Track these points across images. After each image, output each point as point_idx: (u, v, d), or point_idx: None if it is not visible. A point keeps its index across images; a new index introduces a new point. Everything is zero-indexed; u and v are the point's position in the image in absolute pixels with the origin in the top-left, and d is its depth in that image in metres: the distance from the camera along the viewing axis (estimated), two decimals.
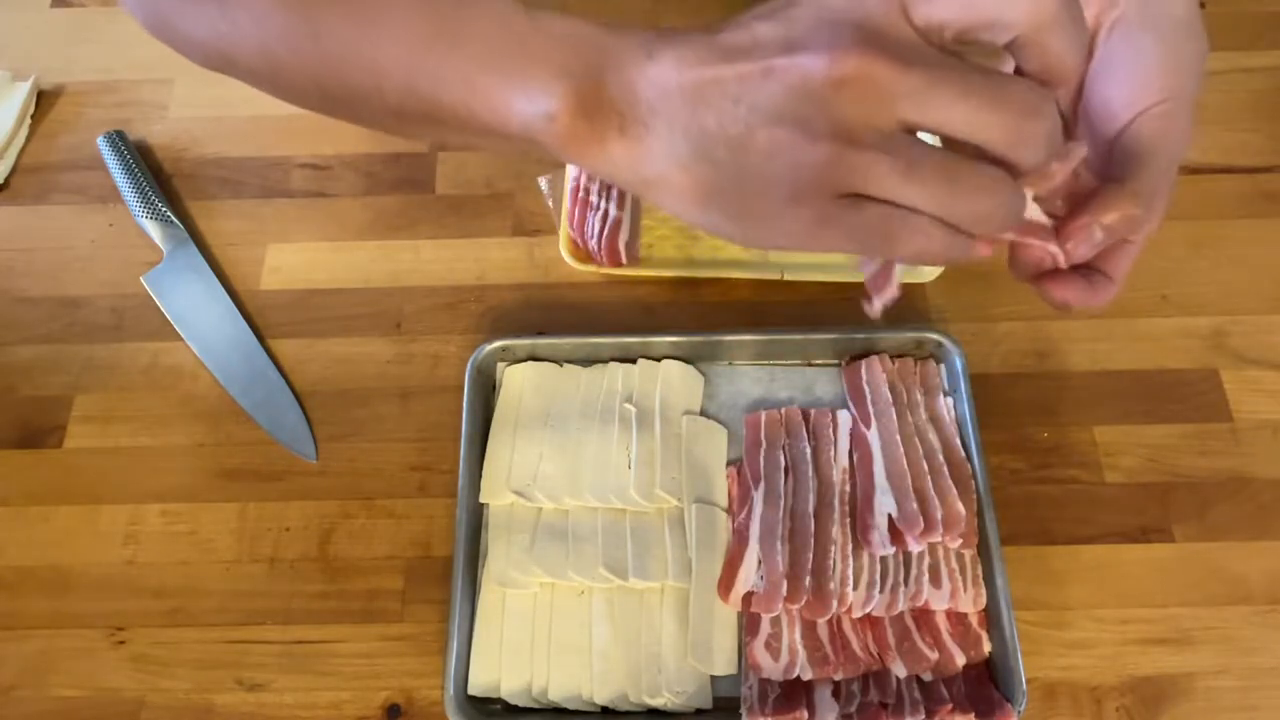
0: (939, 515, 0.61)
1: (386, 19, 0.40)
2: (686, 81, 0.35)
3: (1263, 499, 0.65)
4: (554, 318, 0.73)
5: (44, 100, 0.85)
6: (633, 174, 0.38)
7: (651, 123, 0.36)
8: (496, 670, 0.60)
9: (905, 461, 0.63)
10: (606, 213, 0.72)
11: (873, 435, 0.65)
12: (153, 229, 0.76)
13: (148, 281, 0.75)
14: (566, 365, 0.70)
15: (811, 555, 0.61)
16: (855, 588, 0.60)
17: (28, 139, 0.83)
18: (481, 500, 0.65)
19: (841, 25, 0.33)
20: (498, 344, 0.69)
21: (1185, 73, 0.43)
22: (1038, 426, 0.68)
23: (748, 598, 0.60)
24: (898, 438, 0.64)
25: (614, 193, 0.73)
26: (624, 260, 0.72)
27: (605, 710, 0.60)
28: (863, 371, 0.67)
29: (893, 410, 0.65)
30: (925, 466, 0.63)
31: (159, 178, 0.80)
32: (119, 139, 0.79)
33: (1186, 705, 0.60)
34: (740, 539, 0.62)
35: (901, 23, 0.34)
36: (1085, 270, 0.43)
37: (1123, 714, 0.60)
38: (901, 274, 0.43)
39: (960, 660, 0.59)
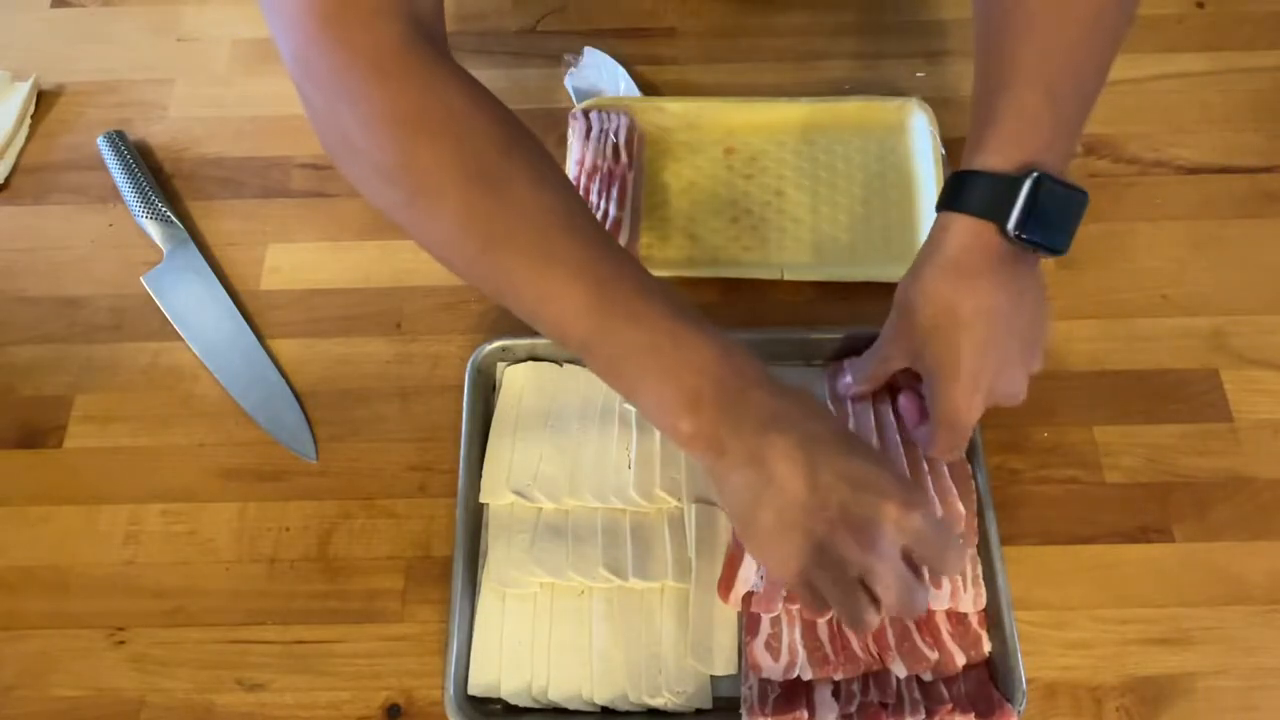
0: (939, 515, 0.61)
1: (554, 279, 0.50)
2: (765, 475, 0.50)
3: (1263, 499, 0.65)
4: None
5: (44, 100, 0.85)
6: (714, 481, 0.53)
7: (730, 471, 0.51)
8: (496, 670, 0.60)
9: (905, 461, 0.63)
10: (607, 213, 0.72)
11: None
12: (153, 229, 0.76)
13: (148, 281, 0.75)
14: (566, 365, 0.70)
15: None
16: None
17: (28, 139, 0.83)
18: (481, 500, 0.65)
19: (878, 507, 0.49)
20: (498, 344, 0.69)
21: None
22: (1037, 426, 0.68)
23: (748, 598, 0.60)
24: (898, 438, 0.64)
25: (614, 193, 0.73)
26: None
27: (605, 710, 0.60)
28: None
29: (870, 411, 0.65)
30: (925, 467, 0.63)
31: (159, 178, 0.80)
32: (119, 139, 0.80)
33: (1186, 705, 0.60)
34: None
35: None
36: None
37: (1123, 714, 0.60)
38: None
39: (960, 660, 0.59)
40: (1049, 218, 0.52)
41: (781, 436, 0.49)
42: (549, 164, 0.52)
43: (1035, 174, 0.52)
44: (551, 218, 0.50)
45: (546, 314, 0.51)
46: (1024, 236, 0.52)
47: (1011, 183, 0.52)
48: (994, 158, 0.53)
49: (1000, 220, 0.52)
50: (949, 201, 0.55)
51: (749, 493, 0.50)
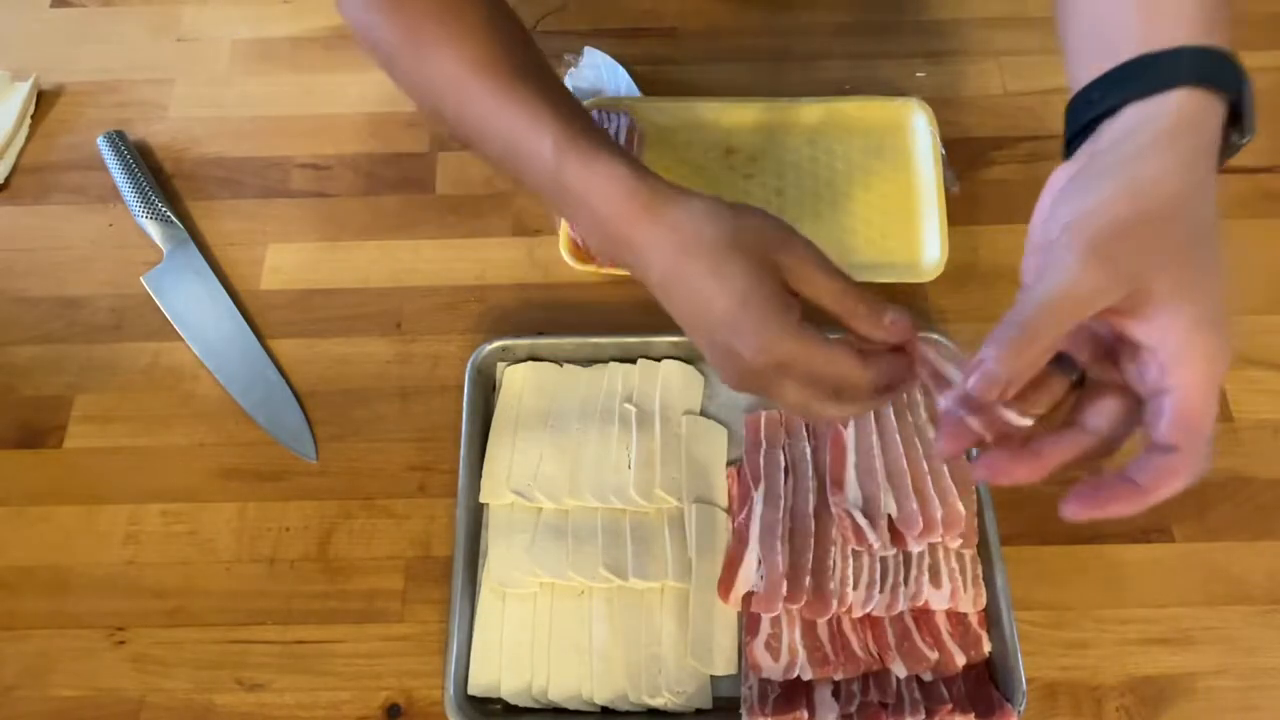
0: (939, 515, 0.61)
1: (484, 130, 0.55)
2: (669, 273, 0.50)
3: (1263, 499, 0.65)
4: (554, 318, 0.73)
5: (44, 100, 0.84)
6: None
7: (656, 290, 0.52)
8: (496, 670, 0.60)
9: (905, 461, 0.63)
10: None
11: (849, 431, 0.65)
12: (153, 229, 0.76)
13: (148, 281, 0.75)
14: (566, 365, 0.70)
15: (811, 555, 0.61)
16: (855, 588, 0.60)
17: (28, 139, 0.83)
18: (481, 500, 0.65)
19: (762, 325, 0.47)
20: (498, 344, 0.69)
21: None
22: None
23: (748, 598, 0.60)
24: (898, 438, 0.64)
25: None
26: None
27: (605, 710, 0.60)
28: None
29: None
30: (925, 467, 0.63)
31: (159, 178, 0.80)
32: (119, 139, 0.79)
33: (1186, 705, 0.60)
34: (740, 539, 0.62)
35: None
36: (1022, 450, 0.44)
37: (1123, 714, 0.60)
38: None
39: (960, 660, 0.59)
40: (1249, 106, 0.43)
41: (656, 283, 0.51)
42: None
43: (1232, 55, 0.42)
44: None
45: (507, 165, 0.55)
46: (1247, 121, 0.43)
47: (1225, 56, 0.42)
48: (1184, 30, 0.42)
49: (1234, 91, 0.42)
50: (1137, 85, 0.43)
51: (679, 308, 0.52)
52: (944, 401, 0.44)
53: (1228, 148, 0.44)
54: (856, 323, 0.48)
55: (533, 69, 0.55)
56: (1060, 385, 0.44)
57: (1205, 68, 0.42)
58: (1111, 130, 0.43)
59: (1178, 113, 0.42)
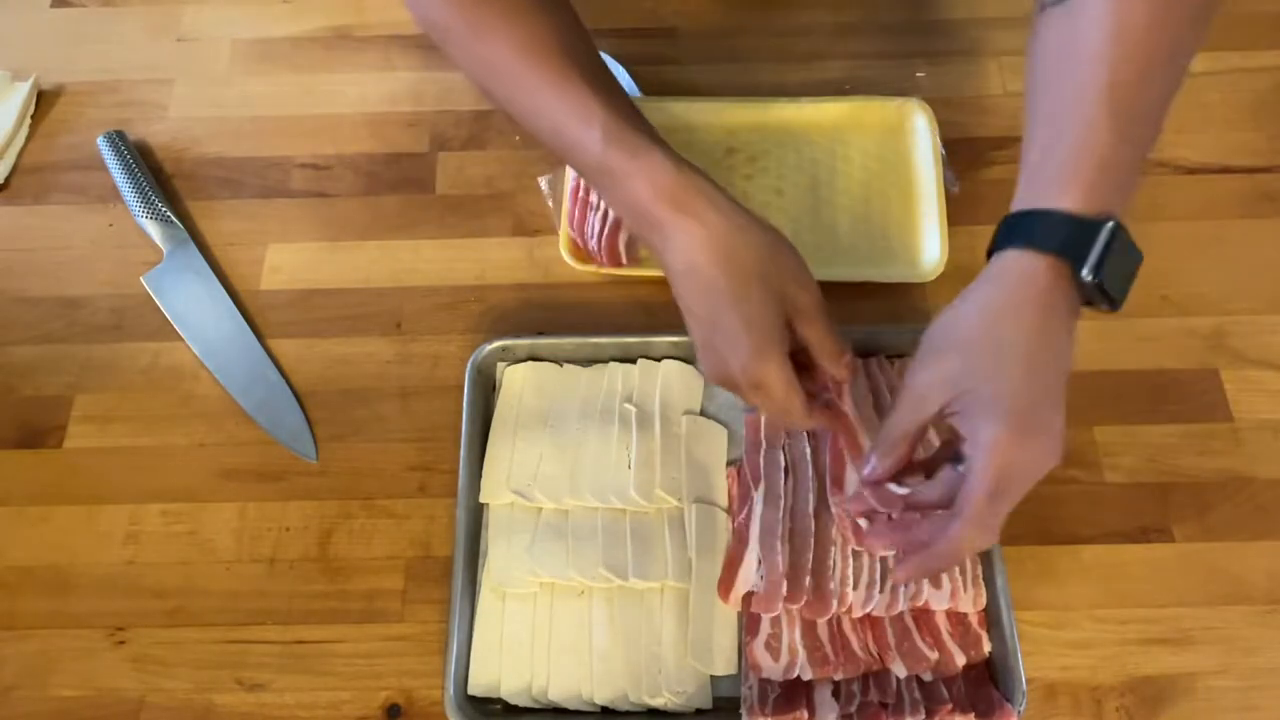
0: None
1: (535, 112, 0.58)
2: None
3: (1263, 499, 0.65)
4: (554, 318, 0.73)
5: (44, 100, 0.84)
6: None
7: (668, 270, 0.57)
8: (496, 670, 0.60)
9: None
10: (606, 213, 0.72)
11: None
12: (153, 229, 0.76)
13: (148, 281, 0.75)
14: (566, 365, 0.70)
15: (811, 555, 0.61)
16: (855, 588, 0.60)
17: (28, 139, 0.83)
18: (481, 500, 0.65)
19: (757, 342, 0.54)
20: (498, 344, 0.69)
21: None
22: None
23: (748, 598, 0.60)
24: None
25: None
26: (624, 260, 0.72)
27: (605, 710, 0.60)
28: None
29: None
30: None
31: (159, 178, 0.80)
32: (119, 139, 0.79)
33: (1186, 705, 0.60)
34: (740, 539, 0.62)
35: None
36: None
37: (1123, 714, 0.60)
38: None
39: (960, 660, 0.59)
40: (1115, 269, 0.48)
41: (677, 267, 0.55)
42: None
43: (1114, 221, 0.48)
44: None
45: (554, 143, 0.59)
46: (1097, 281, 0.48)
47: (1090, 225, 0.48)
48: (1068, 197, 0.49)
49: (1077, 260, 0.48)
50: (1010, 239, 0.51)
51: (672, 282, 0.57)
52: (854, 483, 0.61)
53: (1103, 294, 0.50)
54: (825, 359, 0.56)
55: (582, 55, 0.58)
56: (924, 466, 0.55)
57: (1061, 236, 0.49)
58: (986, 270, 0.52)
59: (1018, 273, 0.50)
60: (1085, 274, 0.48)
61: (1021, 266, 0.50)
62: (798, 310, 0.55)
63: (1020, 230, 0.51)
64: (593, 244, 0.72)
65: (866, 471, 0.54)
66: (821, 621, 0.60)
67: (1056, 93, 0.52)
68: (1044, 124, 0.52)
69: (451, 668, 0.59)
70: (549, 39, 0.57)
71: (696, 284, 0.55)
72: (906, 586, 0.60)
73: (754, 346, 0.53)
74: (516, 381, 0.69)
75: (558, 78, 0.56)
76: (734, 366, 0.54)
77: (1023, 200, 0.52)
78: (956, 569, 0.60)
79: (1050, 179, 0.50)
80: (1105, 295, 0.49)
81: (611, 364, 0.70)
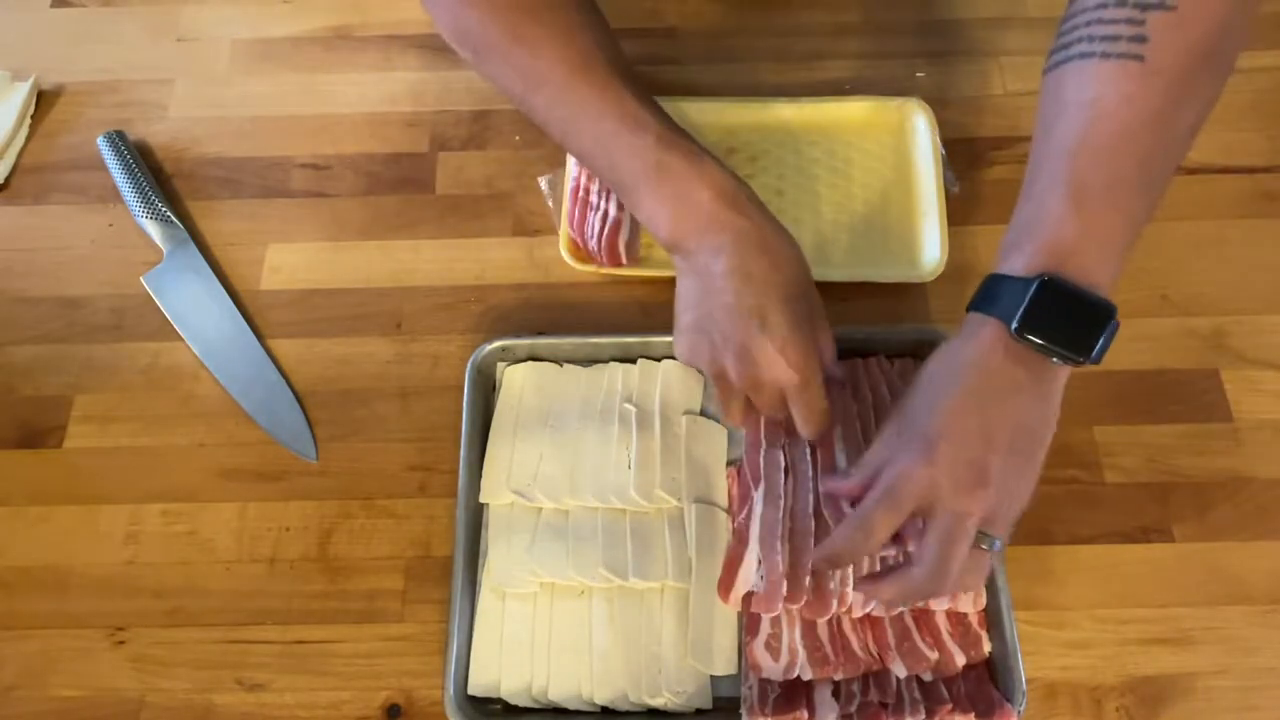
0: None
1: (580, 121, 0.60)
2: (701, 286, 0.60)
3: (1263, 499, 0.65)
4: (554, 318, 0.73)
5: (44, 100, 0.84)
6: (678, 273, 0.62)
7: (684, 274, 0.61)
8: (496, 670, 0.60)
9: None
10: (606, 213, 0.72)
11: (836, 430, 0.65)
12: (153, 229, 0.76)
13: (148, 281, 0.75)
14: (566, 365, 0.70)
15: (811, 555, 0.61)
16: (855, 588, 0.60)
17: (28, 139, 0.83)
18: (481, 500, 0.65)
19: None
20: (498, 344, 0.69)
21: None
22: None
23: (748, 598, 0.60)
24: None
25: (613, 193, 0.73)
26: (624, 260, 0.72)
27: (605, 710, 0.60)
28: None
29: (851, 402, 0.65)
30: None
31: (159, 178, 0.80)
32: (119, 139, 0.79)
33: (1186, 705, 0.60)
34: (740, 539, 0.62)
35: None
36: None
37: (1123, 714, 0.60)
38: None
39: (960, 660, 0.59)
40: (1061, 323, 0.51)
41: (729, 264, 0.57)
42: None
43: (1043, 277, 0.50)
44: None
45: (575, 146, 0.62)
46: (1027, 336, 0.50)
47: (1023, 284, 0.51)
48: (1010, 261, 0.52)
49: (1007, 319, 0.51)
50: (973, 302, 0.54)
51: (689, 293, 0.60)
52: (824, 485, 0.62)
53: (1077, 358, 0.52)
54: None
55: (622, 68, 0.61)
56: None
57: (1000, 298, 0.52)
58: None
59: (967, 333, 0.53)
60: (1013, 326, 0.51)
61: (971, 328, 0.53)
62: (815, 329, 0.59)
63: (979, 293, 0.54)
64: (593, 244, 0.72)
65: (830, 485, 0.59)
66: (821, 621, 0.60)
67: (1032, 159, 0.55)
68: (1023, 189, 0.55)
69: (451, 668, 0.59)
70: (596, 52, 0.60)
71: (737, 285, 0.57)
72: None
73: (801, 345, 0.57)
74: (516, 381, 0.69)
75: (606, 89, 0.59)
76: (734, 373, 0.58)
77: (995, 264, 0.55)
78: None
79: (1005, 244, 0.54)
80: (1050, 351, 0.51)
81: (611, 364, 0.70)
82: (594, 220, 0.72)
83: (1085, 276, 0.51)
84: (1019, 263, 0.52)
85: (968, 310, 0.54)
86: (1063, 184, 0.51)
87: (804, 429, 0.60)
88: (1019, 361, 0.52)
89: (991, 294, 0.53)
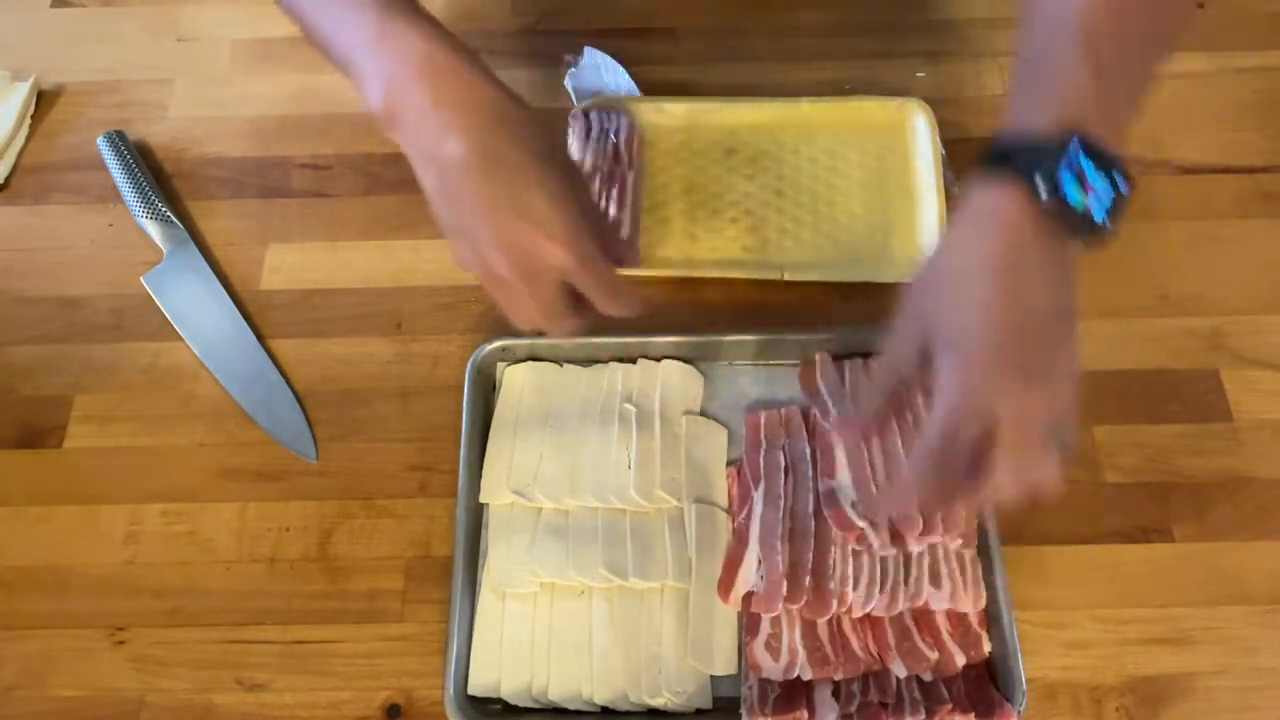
0: (939, 515, 0.61)
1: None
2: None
3: (1263, 499, 0.65)
4: None
5: (44, 100, 0.84)
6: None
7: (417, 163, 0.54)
8: (496, 670, 0.60)
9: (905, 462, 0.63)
10: (607, 213, 0.72)
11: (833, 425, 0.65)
12: (153, 229, 0.76)
13: (148, 281, 0.75)
14: (566, 365, 0.70)
15: (811, 555, 0.61)
16: (855, 588, 0.60)
17: (28, 139, 0.83)
18: (481, 500, 0.65)
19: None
20: (498, 344, 0.69)
21: None
22: None
23: (748, 598, 0.60)
24: (898, 439, 0.64)
25: (614, 193, 0.73)
26: (624, 260, 0.71)
27: (605, 710, 0.60)
28: (817, 370, 0.68)
29: (849, 400, 0.66)
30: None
31: (159, 178, 0.80)
32: (119, 139, 0.79)
33: (1186, 705, 0.60)
34: (740, 539, 0.62)
35: None
36: None
37: (1123, 714, 0.60)
38: None
39: (960, 660, 0.59)
40: (1089, 186, 0.46)
41: (464, 145, 0.51)
42: None
43: (1077, 134, 0.46)
44: None
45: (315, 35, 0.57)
46: (1060, 195, 0.45)
47: (1048, 140, 0.46)
48: (1030, 116, 0.47)
49: (1032, 178, 0.46)
50: (979, 167, 0.49)
51: (430, 187, 0.53)
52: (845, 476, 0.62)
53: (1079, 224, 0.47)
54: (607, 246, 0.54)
55: None
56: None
57: (1019, 157, 0.47)
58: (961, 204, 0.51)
59: (985, 199, 0.48)
60: (1044, 190, 0.46)
61: (983, 197, 0.48)
62: (577, 197, 0.54)
63: (984, 157, 0.49)
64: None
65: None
66: (821, 621, 0.60)
67: (1030, 24, 0.51)
68: (1022, 53, 0.52)
69: (451, 668, 0.59)
70: None
71: (487, 162, 0.51)
72: (906, 585, 0.60)
73: (565, 219, 0.51)
74: (516, 381, 0.69)
75: None
76: (535, 250, 0.51)
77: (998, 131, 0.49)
78: (956, 569, 0.60)
79: (1019, 108, 0.49)
80: (1075, 217, 0.46)
81: (611, 364, 0.70)
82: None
83: (1107, 140, 0.47)
84: (1040, 119, 0.47)
85: (980, 168, 0.48)
86: (1077, 46, 0.47)
87: (607, 308, 0.55)
88: (1045, 233, 0.47)
89: (1002, 153, 0.47)
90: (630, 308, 0.55)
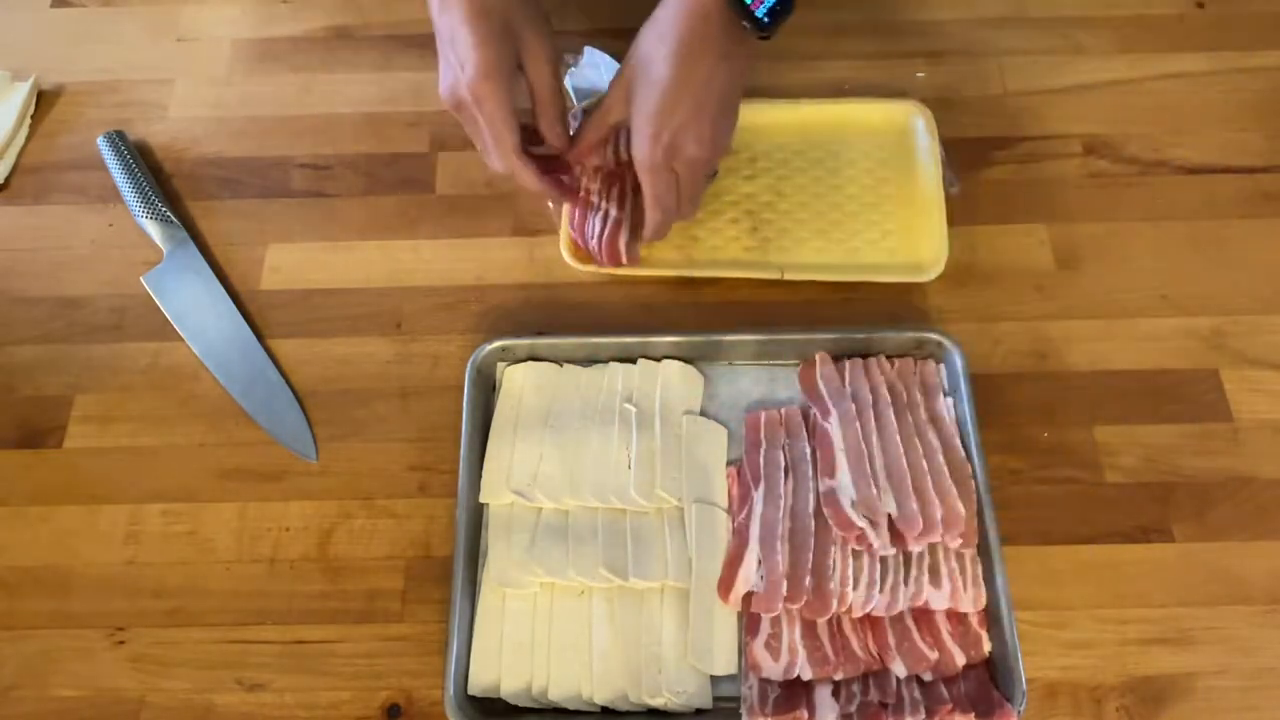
0: (939, 515, 0.61)
1: None
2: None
3: (1263, 499, 0.65)
4: (554, 318, 0.73)
5: (44, 100, 0.85)
6: None
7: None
8: (496, 670, 0.60)
9: (905, 462, 0.63)
10: (607, 213, 0.72)
11: (833, 424, 0.65)
12: (153, 229, 0.76)
13: (148, 281, 0.75)
14: (566, 365, 0.70)
15: (811, 555, 0.61)
16: (855, 588, 0.60)
17: (28, 139, 0.83)
18: (481, 500, 0.65)
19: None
20: (498, 344, 0.69)
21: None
22: (1038, 426, 0.68)
23: (748, 598, 0.60)
24: (897, 438, 0.64)
25: (614, 192, 0.73)
26: (624, 260, 0.72)
27: (605, 710, 0.60)
28: (816, 370, 0.68)
29: (849, 400, 0.66)
30: (925, 466, 0.63)
31: (159, 178, 0.80)
32: (119, 139, 0.80)
33: (1186, 705, 0.60)
34: (740, 539, 0.62)
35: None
36: None
37: (1123, 714, 0.60)
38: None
39: (960, 660, 0.59)
40: None
41: (469, 33, 0.60)
42: None
43: None
44: None
45: None
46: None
47: None
48: None
49: None
50: None
51: (440, 37, 0.63)
52: (844, 476, 0.64)
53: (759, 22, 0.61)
54: (543, 117, 0.66)
55: None
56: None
57: None
58: None
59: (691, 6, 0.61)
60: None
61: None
62: (527, 49, 0.63)
63: None
64: (593, 244, 0.72)
65: (562, 146, 0.68)
66: (821, 621, 0.60)
67: None
68: None
69: (451, 668, 0.59)
70: None
71: (443, 6, 0.61)
72: (906, 585, 0.60)
73: (482, 63, 0.60)
74: (516, 381, 0.69)
75: None
76: (461, 81, 0.61)
77: None
78: (956, 569, 0.60)
79: None
80: (749, 14, 0.60)
81: (611, 364, 0.70)
82: (594, 221, 0.72)
83: None
84: None
85: None
86: None
87: (487, 151, 0.64)
88: (726, 23, 0.61)
89: None
90: (532, 185, 0.66)
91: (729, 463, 0.67)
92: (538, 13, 0.64)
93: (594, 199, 0.73)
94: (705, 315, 0.72)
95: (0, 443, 0.70)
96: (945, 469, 0.63)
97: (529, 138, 0.65)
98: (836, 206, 0.76)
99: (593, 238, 0.72)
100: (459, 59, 0.61)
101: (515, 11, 0.62)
